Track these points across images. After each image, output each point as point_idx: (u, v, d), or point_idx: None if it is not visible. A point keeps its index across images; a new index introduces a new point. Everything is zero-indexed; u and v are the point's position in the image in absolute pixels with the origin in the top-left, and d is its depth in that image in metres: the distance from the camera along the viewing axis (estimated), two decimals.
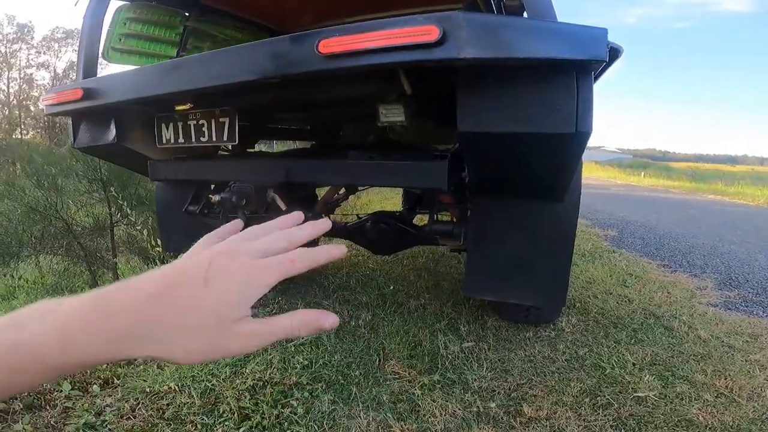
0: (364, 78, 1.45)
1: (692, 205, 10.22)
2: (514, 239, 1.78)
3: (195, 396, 1.82)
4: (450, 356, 2.22)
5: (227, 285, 0.34)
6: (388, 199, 6.18)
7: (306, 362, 2.11)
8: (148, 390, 1.84)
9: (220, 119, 1.85)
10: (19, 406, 1.69)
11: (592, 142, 1.74)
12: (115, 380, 1.92)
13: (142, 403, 1.78)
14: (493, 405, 1.81)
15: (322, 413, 1.74)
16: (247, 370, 2.02)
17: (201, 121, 1.90)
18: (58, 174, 3.18)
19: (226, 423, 1.66)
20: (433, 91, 1.54)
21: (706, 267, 4.19)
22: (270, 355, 2.17)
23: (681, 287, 3.49)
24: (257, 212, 1.99)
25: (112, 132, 2.00)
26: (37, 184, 3.04)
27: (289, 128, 3.05)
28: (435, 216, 2.44)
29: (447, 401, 1.82)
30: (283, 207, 2.01)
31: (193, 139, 1.94)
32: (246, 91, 1.69)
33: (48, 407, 1.73)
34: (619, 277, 3.67)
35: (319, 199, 2.92)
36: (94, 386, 1.86)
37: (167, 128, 2.01)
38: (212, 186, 2.29)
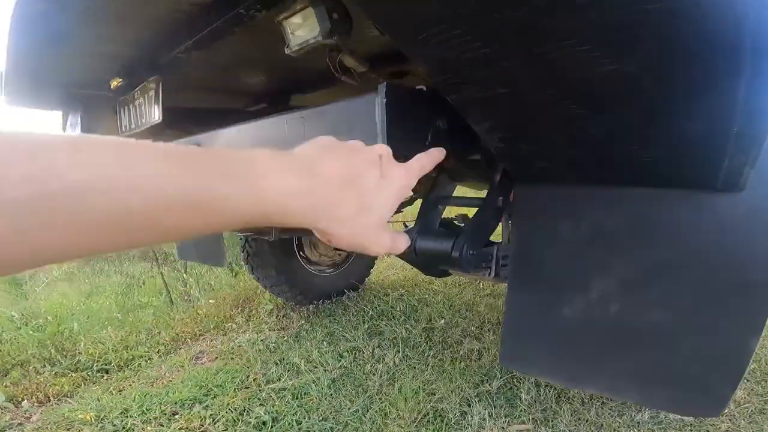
0: None
1: None
2: (618, 273, 0.85)
3: None
4: None
5: (390, 189, 0.40)
6: None
7: (267, 417, 1.53)
8: (67, 415, 1.51)
9: (149, 93, 1.45)
10: None
11: None
12: (51, 399, 1.66)
13: (47, 429, 1.46)
14: None
15: None
16: (192, 412, 1.55)
17: (139, 99, 1.53)
18: None
19: None
20: None
21: None
22: (234, 396, 1.66)
23: None
24: None
25: (78, 123, 1.80)
26: None
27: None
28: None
29: None
30: None
31: (141, 122, 1.59)
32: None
33: None
34: None
35: None
36: (24, 402, 1.61)
37: (124, 113, 1.71)
38: None
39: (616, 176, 0.82)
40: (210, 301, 2.64)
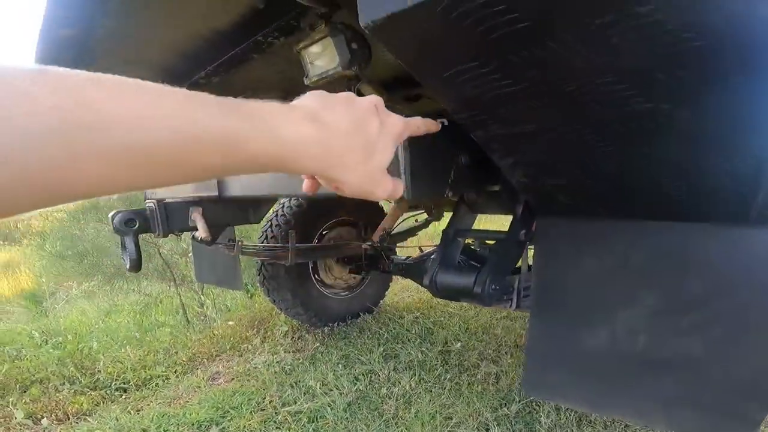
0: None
1: None
2: (644, 305, 0.85)
3: None
4: None
5: (388, 136, 0.43)
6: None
7: None
8: None
9: None
10: None
11: None
12: (71, 417, 1.67)
13: None
14: None
15: None
16: None
17: None
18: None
19: None
20: None
21: None
22: (251, 419, 1.65)
23: None
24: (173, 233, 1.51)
25: None
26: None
27: None
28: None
29: None
30: (203, 234, 1.47)
31: None
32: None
33: None
34: None
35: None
36: (44, 419, 1.63)
37: None
38: None
39: (644, 210, 0.82)
40: (230, 323, 2.65)
